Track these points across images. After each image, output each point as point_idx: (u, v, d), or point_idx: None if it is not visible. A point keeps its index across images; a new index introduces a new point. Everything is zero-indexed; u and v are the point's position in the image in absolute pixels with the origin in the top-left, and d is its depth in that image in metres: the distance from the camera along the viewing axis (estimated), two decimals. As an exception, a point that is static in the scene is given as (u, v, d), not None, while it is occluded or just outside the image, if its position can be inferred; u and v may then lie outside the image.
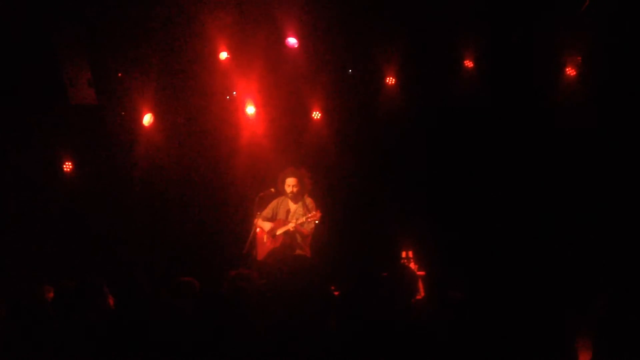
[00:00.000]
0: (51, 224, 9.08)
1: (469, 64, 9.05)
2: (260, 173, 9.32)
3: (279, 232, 7.76)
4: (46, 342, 4.18)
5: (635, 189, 8.19)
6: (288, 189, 7.79)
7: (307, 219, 7.60)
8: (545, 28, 8.48)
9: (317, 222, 7.63)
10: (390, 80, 9.37)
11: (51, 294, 5.15)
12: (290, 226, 7.62)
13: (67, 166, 9.50)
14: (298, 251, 7.70)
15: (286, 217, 7.87)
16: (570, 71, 8.72)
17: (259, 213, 7.79)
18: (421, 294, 6.72)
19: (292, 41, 9.12)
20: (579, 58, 8.68)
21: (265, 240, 7.90)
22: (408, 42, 9.07)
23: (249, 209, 8.00)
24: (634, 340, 3.41)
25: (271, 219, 7.96)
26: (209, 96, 9.57)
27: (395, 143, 9.38)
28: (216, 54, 9.22)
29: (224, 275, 4.90)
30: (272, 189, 7.90)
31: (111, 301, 4.82)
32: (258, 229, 7.91)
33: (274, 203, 8.01)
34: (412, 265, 7.77)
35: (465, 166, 9.04)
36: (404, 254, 7.95)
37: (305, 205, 7.80)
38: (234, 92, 9.65)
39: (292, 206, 7.93)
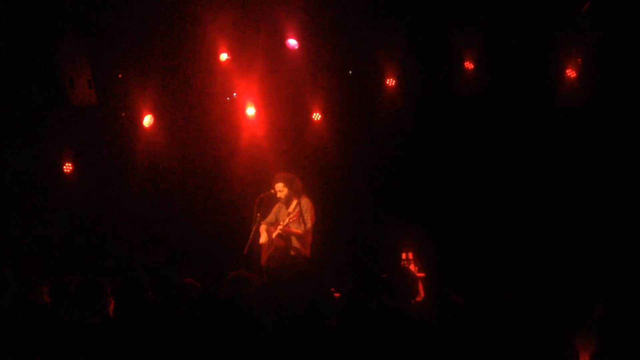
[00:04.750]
0: (51, 224, 9.07)
1: (469, 65, 9.06)
2: (260, 174, 9.31)
3: (274, 235, 7.83)
4: (44, 342, 4.17)
5: (635, 189, 8.20)
6: (277, 194, 7.86)
7: (290, 219, 7.65)
8: (545, 29, 8.48)
9: (296, 220, 7.65)
10: (390, 82, 9.37)
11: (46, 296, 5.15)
12: (279, 228, 7.69)
13: (67, 167, 9.49)
14: (292, 253, 7.71)
15: (285, 220, 7.89)
16: (571, 72, 8.73)
17: (259, 215, 7.80)
18: (421, 295, 6.72)
19: (292, 43, 9.12)
20: (579, 60, 8.68)
21: (266, 244, 7.93)
22: (408, 43, 9.08)
23: (249, 210, 8.00)
24: (635, 340, 3.40)
25: (274, 223, 7.99)
26: (209, 97, 9.58)
27: (395, 144, 9.39)
28: (216, 55, 9.23)
29: (224, 276, 4.90)
30: (272, 190, 7.92)
31: (111, 304, 4.81)
32: (262, 234, 7.95)
33: (276, 208, 8.05)
34: (412, 267, 7.77)
35: (465, 167, 9.04)
36: (404, 256, 7.96)
37: (299, 206, 7.81)
38: (235, 94, 9.66)
39: (288, 209, 7.94)
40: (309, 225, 7.78)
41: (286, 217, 7.79)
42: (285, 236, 7.74)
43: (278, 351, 3.70)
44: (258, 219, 7.79)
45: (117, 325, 4.36)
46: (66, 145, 9.46)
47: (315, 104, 9.62)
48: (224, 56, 9.26)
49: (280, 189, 7.84)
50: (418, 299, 5.05)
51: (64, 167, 9.49)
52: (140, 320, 4.22)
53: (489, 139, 8.99)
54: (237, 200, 9.55)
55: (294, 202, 7.87)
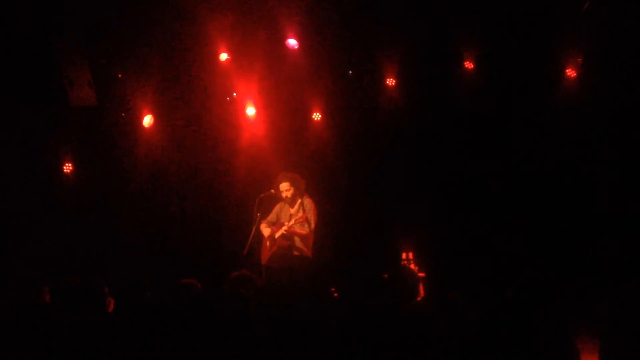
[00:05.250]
0: (51, 225, 9.07)
1: (469, 65, 9.05)
2: (260, 174, 9.32)
3: (277, 235, 7.82)
4: (44, 342, 4.17)
5: (635, 188, 8.19)
6: (283, 194, 7.86)
7: (295, 220, 7.64)
8: (545, 29, 8.48)
9: (301, 222, 7.65)
10: (390, 82, 9.37)
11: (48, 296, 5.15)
12: (284, 229, 7.69)
13: (67, 167, 9.50)
14: (295, 253, 7.71)
15: (288, 220, 7.89)
16: (571, 72, 8.72)
17: (259, 215, 7.80)
18: (421, 295, 6.72)
19: (292, 42, 9.12)
20: (580, 59, 8.68)
21: (267, 244, 7.93)
22: (408, 43, 9.07)
23: (250, 210, 8.00)
24: (637, 340, 3.40)
25: (275, 222, 7.99)
26: (209, 97, 9.57)
27: (395, 144, 9.39)
28: (216, 55, 9.22)
29: (225, 276, 4.90)
30: (272, 190, 7.92)
31: (111, 304, 4.81)
32: (263, 234, 7.95)
33: (277, 207, 8.05)
34: (412, 267, 7.77)
35: (465, 167, 9.04)
36: (404, 256, 7.95)
37: (302, 207, 7.81)
38: (234, 94, 9.65)
39: (292, 209, 7.95)
40: (312, 225, 7.79)
41: (289, 218, 7.79)
42: (289, 236, 7.74)
43: (278, 352, 3.70)
44: (258, 218, 7.80)
45: (115, 324, 4.36)
46: (66, 145, 9.46)
47: (316, 104, 9.62)
48: (224, 56, 9.25)
49: (287, 188, 7.84)
50: (418, 298, 5.04)
51: (64, 167, 9.49)
52: (139, 319, 4.22)
53: (489, 139, 8.99)
54: (237, 200, 9.55)
55: (298, 202, 7.87)
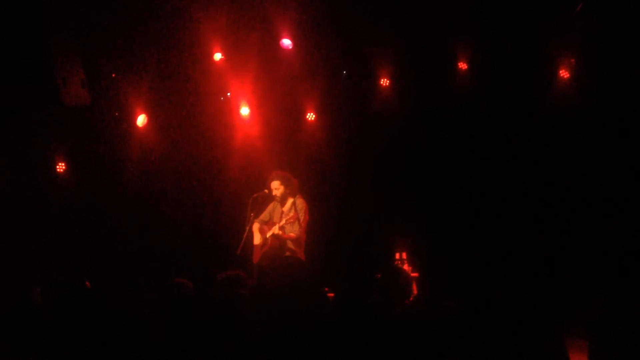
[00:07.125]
0: (44, 224, 9.04)
1: (462, 65, 9.07)
2: (254, 174, 9.32)
3: (268, 234, 7.82)
4: (36, 341, 4.17)
5: (631, 189, 8.21)
6: (273, 192, 7.86)
7: (287, 220, 7.64)
8: (538, 30, 8.50)
9: (292, 221, 7.65)
10: (384, 82, 9.38)
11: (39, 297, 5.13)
12: (275, 229, 7.68)
13: (60, 167, 9.48)
14: (287, 253, 7.71)
15: (280, 219, 7.89)
16: (564, 73, 8.75)
17: (253, 214, 7.81)
18: (414, 295, 6.71)
19: (286, 42, 9.13)
20: (573, 60, 8.70)
21: (259, 243, 7.93)
22: (402, 43, 9.09)
23: (243, 210, 8.00)
24: (629, 342, 3.41)
25: (268, 222, 7.99)
26: (203, 97, 9.57)
27: (389, 144, 9.40)
28: (210, 55, 9.23)
29: (217, 276, 4.89)
30: (266, 190, 7.92)
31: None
32: (254, 233, 7.95)
33: (270, 206, 8.04)
34: (406, 267, 7.77)
35: (459, 167, 9.05)
36: (397, 256, 7.96)
37: (294, 206, 7.81)
38: (229, 93, 9.65)
39: (284, 208, 7.94)
40: (304, 225, 7.78)
41: (280, 217, 7.78)
42: (279, 236, 7.74)
43: (270, 351, 3.70)
44: (252, 218, 7.80)
45: (105, 322, 4.35)
46: (59, 145, 9.43)
47: (309, 104, 9.62)
48: (218, 56, 9.26)
49: (277, 187, 7.85)
50: (410, 298, 5.04)
51: (57, 166, 9.46)
52: (133, 318, 4.21)
53: (483, 139, 9.01)
54: (230, 200, 9.54)
55: (289, 202, 7.88)
